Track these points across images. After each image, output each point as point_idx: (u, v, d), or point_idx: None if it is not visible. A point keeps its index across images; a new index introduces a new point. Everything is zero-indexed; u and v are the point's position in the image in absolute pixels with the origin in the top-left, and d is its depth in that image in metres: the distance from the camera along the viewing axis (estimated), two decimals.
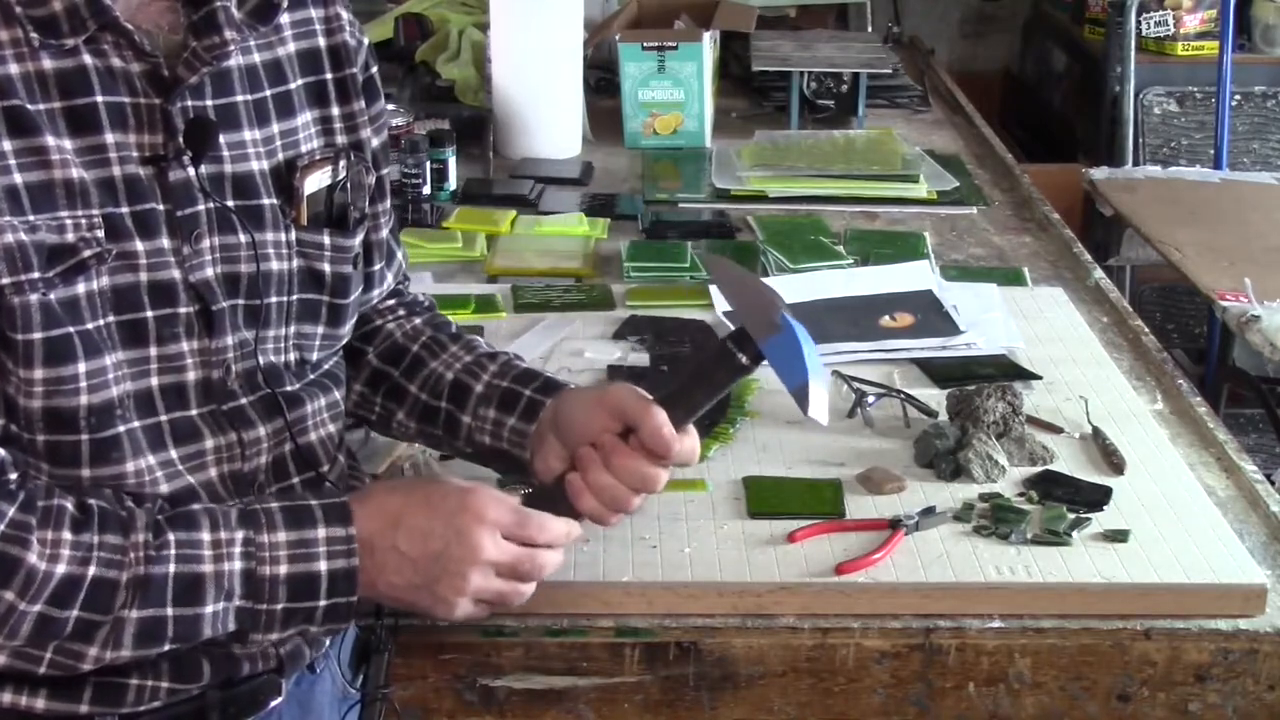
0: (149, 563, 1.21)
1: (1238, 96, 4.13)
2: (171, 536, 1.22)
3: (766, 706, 1.50)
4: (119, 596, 1.20)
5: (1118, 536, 1.60)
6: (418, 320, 1.56)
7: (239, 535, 1.25)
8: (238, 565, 1.24)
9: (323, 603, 1.27)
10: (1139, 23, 4.21)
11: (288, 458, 1.36)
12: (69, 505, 1.20)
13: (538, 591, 1.40)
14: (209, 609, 1.23)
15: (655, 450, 1.36)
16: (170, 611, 1.22)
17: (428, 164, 2.64)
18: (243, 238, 1.30)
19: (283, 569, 1.25)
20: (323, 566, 1.26)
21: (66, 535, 1.19)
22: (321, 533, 1.27)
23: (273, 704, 1.35)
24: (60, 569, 1.18)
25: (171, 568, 1.22)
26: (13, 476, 1.20)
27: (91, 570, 1.19)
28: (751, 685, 1.49)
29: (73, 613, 1.19)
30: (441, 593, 1.31)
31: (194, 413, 1.29)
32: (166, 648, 1.23)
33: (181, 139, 1.25)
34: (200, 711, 1.31)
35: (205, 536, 1.24)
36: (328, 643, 1.42)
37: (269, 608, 1.25)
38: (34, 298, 1.18)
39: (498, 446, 1.47)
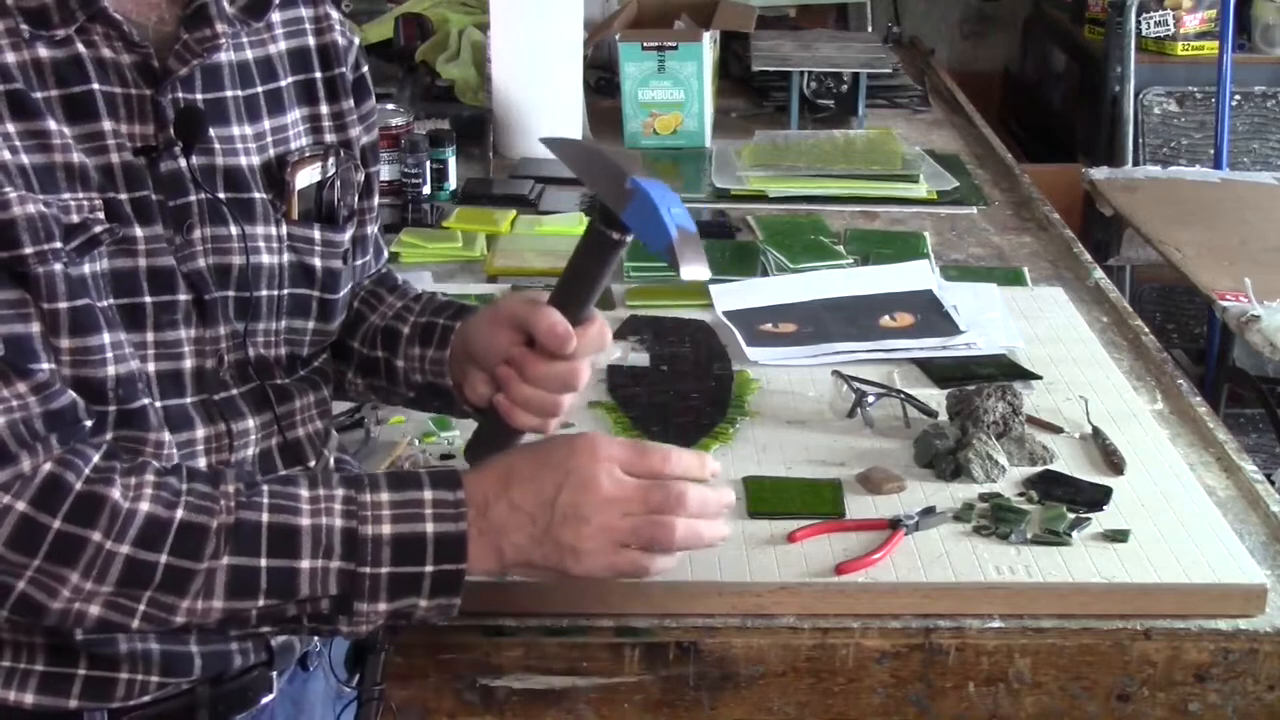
0: (241, 509, 1.18)
1: (1238, 96, 4.13)
2: (266, 487, 1.21)
3: (766, 706, 1.49)
4: (209, 543, 1.17)
5: (1118, 536, 1.60)
6: (366, 282, 1.56)
7: (339, 493, 1.21)
8: (338, 522, 1.20)
9: (429, 568, 1.21)
10: (1139, 23, 4.21)
11: (275, 451, 1.35)
12: (152, 460, 1.20)
13: (537, 592, 1.40)
14: (305, 564, 1.19)
15: (554, 350, 1.34)
16: (264, 562, 1.18)
17: (428, 164, 2.64)
18: (233, 230, 1.30)
19: (386, 529, 1.20)
20: (429, 528, 1.21)
21: (150, 478, 1.18)
22: (428, 494, 1.23)
23: (264, 701, 1.35)
24: (144, 507, 1.16)
25: (265, 516, 1.19)
26: (88, 423, 1.20)
27: (179, 514, 1.17)
28: (751, 685, 1.49)
29: (161, 557, 1.16)
30: (566, 540, 1.25)
31: (188, 400, 1.29)
32: (262, 602, 1.19)
33: (172, 130, 1.26)
34: (189, 708, 1.30)
35: (304, 492, 1.21)
36: (316, 641, 1.41)
37: (373, 571, 1.20)
38: (57, 267, 1.18)
39: (427, 381, 1.46)
